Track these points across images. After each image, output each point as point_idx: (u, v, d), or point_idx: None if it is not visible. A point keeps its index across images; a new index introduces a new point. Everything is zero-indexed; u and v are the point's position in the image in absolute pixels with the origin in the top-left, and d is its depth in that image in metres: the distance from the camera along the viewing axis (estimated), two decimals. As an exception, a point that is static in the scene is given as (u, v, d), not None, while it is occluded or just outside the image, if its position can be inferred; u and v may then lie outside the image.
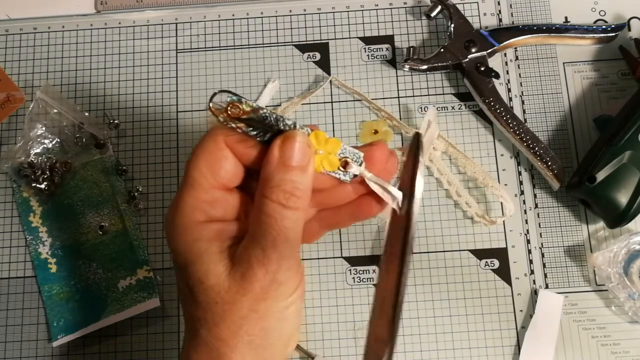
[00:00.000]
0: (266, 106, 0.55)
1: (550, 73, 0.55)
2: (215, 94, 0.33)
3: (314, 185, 0.35)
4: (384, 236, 0.50)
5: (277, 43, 0.57)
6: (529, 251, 0.52)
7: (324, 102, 0.55)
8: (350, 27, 0.57)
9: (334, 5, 0.58)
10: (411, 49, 0.55)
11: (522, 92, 0.55)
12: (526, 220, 0.52)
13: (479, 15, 0.57)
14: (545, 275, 0.51)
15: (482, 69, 0.54)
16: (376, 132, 0.54)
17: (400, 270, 0.33)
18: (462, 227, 0.52)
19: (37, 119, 0.55)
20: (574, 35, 0.55)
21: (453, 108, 0.55)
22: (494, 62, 0.55)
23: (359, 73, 0.56)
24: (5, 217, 0.54)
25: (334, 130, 0.55)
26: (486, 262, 0.51)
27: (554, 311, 0.50)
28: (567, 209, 0.52)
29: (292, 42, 0.57)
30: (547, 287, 0.51)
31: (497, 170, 0.53)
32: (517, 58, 0.56)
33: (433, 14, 0.56)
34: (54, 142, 0.55)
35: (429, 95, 0.55)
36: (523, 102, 0.55)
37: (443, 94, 0.55)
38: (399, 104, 0.55)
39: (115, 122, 0.55)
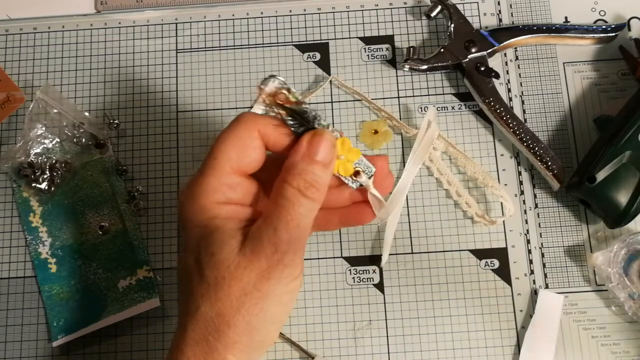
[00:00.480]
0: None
1: (550, 73, 0.55)
2: (267, 77, 0.36)
3: None
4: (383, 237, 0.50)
5: (277, 43, 0.57)
6: (529, 251, 0.52)
7: (324, 102, 0.55)
8: (350, 27, 0.57)
9: (334, 5, 0.58)
10: (411, 49, 0.55)
11: (522, 92, 0.55)
12: (526, 220, 0.52)
13: (479, 15, 0.57)
14: (545, 275, 0.51)
15: (482, 69, 0.54)
16: (376, 132, 0.54)
17: None
18: (462, 227, 0.52)
19: (37, 119, 0.55)
20: (574, 35, 0.55)
21: (453, 108, 0.55)
22: (494, 62, 0.55)
23: (359, 73, 0.56)
24: (5, 217, 0.54)
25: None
26: (486, 262, 0.51)
27: (554, 311, 0.50)
28: (567, 209, 0.52)
29: (292, 42, 0.57)
30: (547, 287, 0.51)
31: (497, 170, 0.53)
32: (517, 58, 0.56)
33: (433, 14, 0.56)
34: (54, 142, 0.55)
35: (429, 95, 0.55)
36: (523, 102, 0.55)
37: (443, 94, 0.55)
38: (399, 104, 0.55)
39: (115, 122, 0.55)
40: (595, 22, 0.57)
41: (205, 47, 0.57)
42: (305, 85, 0.56)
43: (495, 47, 0.54)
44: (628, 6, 0.57)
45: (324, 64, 0.56)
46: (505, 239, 0.52)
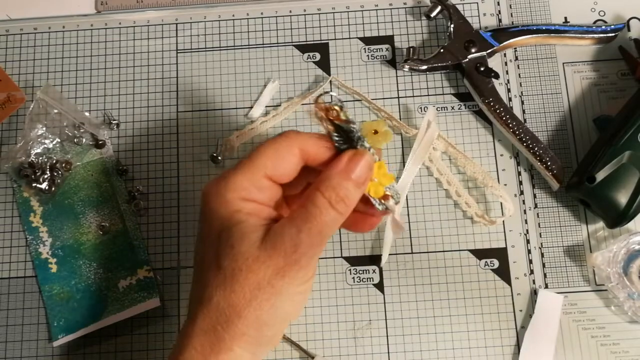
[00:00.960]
0: (266, 106, 0.55)
1: (549, 73, 0.55)
2: (324, 93, 0.39)
3: None
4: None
5: (277, 43, 0.57)
6: (529, 251, 0.52)
7: (324, 102, 0.55)
8: (350, 28, 0.57)
9: (334, 5, 0.58)
10: (411, 49, 0.55)
11: (521, 92, 0.55)
12: (526, 220, 0.52)
13: (478, 16, 0.57)
14: (545, 275, 0.51)
15: (482, 69, 0.54)
16: (376, 132, 0.54)
17: None
18: (462, 227, 0.52)
19: (38, 119, 0.55)
20: (574, 35, 0.55)
21: (453, 108, 0.55)
22: (494, 63, 0.55)
23: (359, 73, 0.56)
24: (5, 217, 0.54)
25: (334, 131, 0.55)
26: (486, 262, 0.51)
27: (553, 311, 0.50)
28: (567, 209, 0.52)
29: (292, 42, 0.57)
30: (546, 287, 0.51)
31: (497, 170, 0.53)
32: (516, 58, 0.56)
33: (433, 15, 0.56)
34: (54, 142, 0.55)
35: (428, 95, 0.55)
36: (523, 102, 0.55)
37: (443, 94, 0.55)
38: (399, 104, 0.55)
39: (115, 122, 0.55)
40: (594, 22, 0.57)
41: (206, 48, 0.57)
42: (305, 86, 0.56)
43: (494, 48, 0.54)
44: (627, 6, 0.57)
45: (324, 64, 0.57)
46: (505, 239, 0.52)
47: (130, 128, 0.56)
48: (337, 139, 0.39)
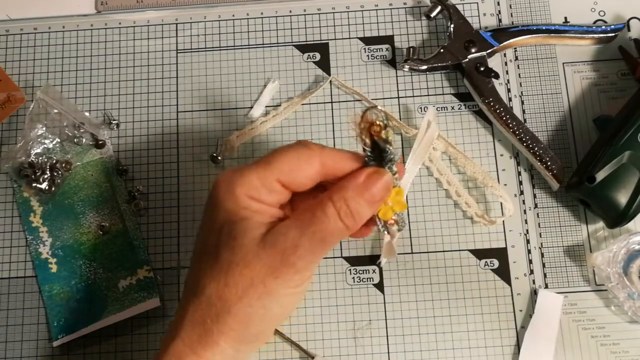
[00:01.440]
0: (266, 106, 0.55)
1: (549, 73, 0.55)
2: (372, 107, 0.38)
3: None
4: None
5: (277, 43, 0.57)
6: (529, 251, 0.52)
7: (324, 102, 0.55)
8: (350, 28, 0.57)
9: (334, 5, 0.58)
10: (411, 49, 0.55)
11: (521, 92, 0.55)
12: (526, 220, 0.52)
13: (478, 16, 0.57)
14: (545, 275, 0.51)
15: (482, 69, 0.54)
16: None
17: None
18: (462, 227, 0.52)
19: (38, 119, 0.55)
20: (574, 35, 0.55)
21: (453, 108, 0.55)
22: (494, 63, 0.55)
23: (359, 73, 0.56)
24: (5, 217, 0.54)
25: (334, 130, 0.55)
26: (486, 262, 0.51)
27: (553, 311, 0.50)
28: (567, 209, 0.52)
29: (292, 42, 0.57)
30: (546, 287, 0.51)
31: (497, 170, 0.53)
32: (516, 58, 0.56)
33: (433, 15, 0.56)
34: (54, 142, 0.55)
35: (428, 95, 0.55)
36: (523, 102, 0.55)
37: (443, 94, 0.55)
38: (399, 104, 0.55)
39: (115, 122, 0.55)
40: (594, 22, 0.57)
41: (206, 48, 0.57)
42: (305, 86, 0.56)
43: (494, 48, 0.54)
44: (627, 6, 0.57)
45: (324, 64, 0.57)
46: (505, 239, 0.52)
47: (130, 128, 0.56)
48: (369, 154, 0.39)
